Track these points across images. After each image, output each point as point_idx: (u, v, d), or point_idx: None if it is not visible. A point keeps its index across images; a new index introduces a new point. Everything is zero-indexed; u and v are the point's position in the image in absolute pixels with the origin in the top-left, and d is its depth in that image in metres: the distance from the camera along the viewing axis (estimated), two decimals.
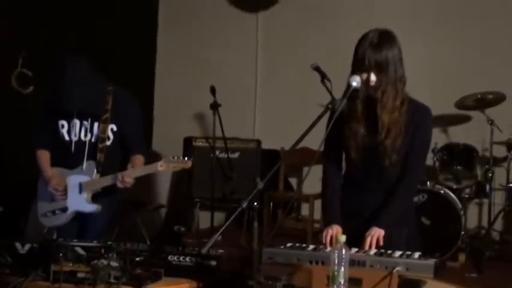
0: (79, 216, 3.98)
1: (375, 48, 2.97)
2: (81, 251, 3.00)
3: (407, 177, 3.12)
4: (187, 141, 6.72)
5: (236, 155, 6.63)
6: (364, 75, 2.99)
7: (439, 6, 6.69)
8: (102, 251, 2.99)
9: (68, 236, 3.59)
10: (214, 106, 6.28)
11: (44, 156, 4.09)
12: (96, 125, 3.95)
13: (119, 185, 3.82)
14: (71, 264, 2.91)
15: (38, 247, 3.07)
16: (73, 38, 6.20)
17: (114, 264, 2.85)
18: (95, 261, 2.87)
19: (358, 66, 3.00)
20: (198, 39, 7.60)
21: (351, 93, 2.95)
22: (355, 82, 2.95)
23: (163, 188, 6.91)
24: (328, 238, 3.07)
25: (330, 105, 2.99)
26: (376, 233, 2.99)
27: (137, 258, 2.97)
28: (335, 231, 3.08)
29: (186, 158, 3.67)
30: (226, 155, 6.43)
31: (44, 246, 3.05)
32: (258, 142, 6.83)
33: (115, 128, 3.97)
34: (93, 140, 3.95)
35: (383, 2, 6.87)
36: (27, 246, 3.08)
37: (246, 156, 6.68)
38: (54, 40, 6.02)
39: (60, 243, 3.13)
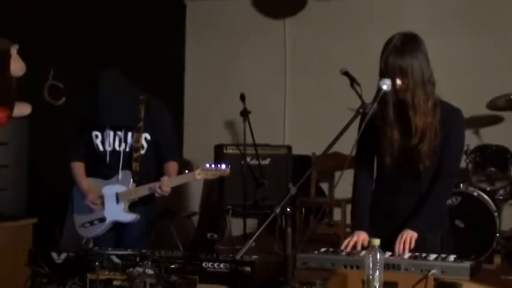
0: (116, 225, 4.01)
1: (398, 53, 2.97)
2: (116, 260, 3.03)
3: (441, 180, 3.11)
4: (218, 149, 6.73)
5: (267, 161, 6.63)
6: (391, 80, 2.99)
7: (470, 6, 6.64)
8: (137, 259, 3.00)
9: (105, 245, 3.61)
10: (244, 113, 6.31)
11: (78, 168, 4.10)
12: (129, 134, 3.97)
13: (157, 194, 3.84)
14: (106, 273, 2.93)
15: (74, 256, 3.10)
16: (103, 48, 6.26)
17: (149, 271, 2.87)
18: (131, 269, 2.89)
19: (383, 72, 3.00)
20: (226, 46, 7.62)
21: (381, 97, 2.95)
22: (385, 85, 2.95)
23: (196, 196, 6.93)
24: (351, 244, 3.05)
25: (360, 109, 3.00)
26: (409, 235, 2.98)
27: (172, 266, 2.98)
28: (361, 238, 3.07)
29: (223, 166, 3.67)
30: (257, 162, 6.45)
31: (79, 255, 3.09)
32: (289, 148, 6.83)
33: (149, 137, 3.98)
34: (127, 149, 3.98)
35: (412, 4, 6.84)
36: (63, 256, 3.10)
37: (277, 162, 6.68)
38: (84, 52, 6.09)
39: (95, 252, 3.15)
